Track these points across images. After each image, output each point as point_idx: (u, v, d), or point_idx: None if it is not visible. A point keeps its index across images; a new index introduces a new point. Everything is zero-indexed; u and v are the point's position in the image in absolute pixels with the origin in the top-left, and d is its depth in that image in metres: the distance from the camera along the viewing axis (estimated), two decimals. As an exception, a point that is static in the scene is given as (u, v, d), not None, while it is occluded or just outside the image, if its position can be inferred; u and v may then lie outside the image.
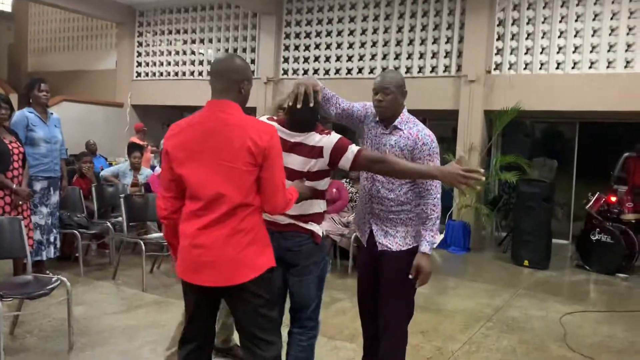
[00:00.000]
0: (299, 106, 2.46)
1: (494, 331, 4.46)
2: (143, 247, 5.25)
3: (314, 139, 2.49)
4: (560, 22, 7.85)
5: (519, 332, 4.46)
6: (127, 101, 11.80)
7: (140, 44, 11.98)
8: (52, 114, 5.32)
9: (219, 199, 2.15)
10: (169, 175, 2.26)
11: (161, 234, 5.86)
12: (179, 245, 2.28)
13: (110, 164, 8.87)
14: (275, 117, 2.65)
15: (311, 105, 2.50)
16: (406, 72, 8.93)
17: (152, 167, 8.40)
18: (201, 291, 2.24)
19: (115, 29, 12.33)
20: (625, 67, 7.43)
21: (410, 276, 2.65)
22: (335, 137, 2.49)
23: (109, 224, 5.98)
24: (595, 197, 7.10)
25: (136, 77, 11.99)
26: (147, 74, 11.91)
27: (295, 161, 2.49)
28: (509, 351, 4.04)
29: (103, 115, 11.41)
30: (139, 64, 12.00)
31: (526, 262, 6.93)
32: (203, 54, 11.21)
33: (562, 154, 9.45)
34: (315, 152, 2.48)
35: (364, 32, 9.38)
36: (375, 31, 9.28)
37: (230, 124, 2.18)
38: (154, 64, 11.80)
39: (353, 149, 2.46)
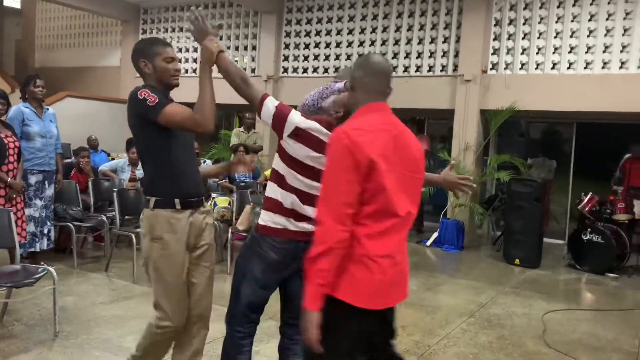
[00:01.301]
0: None
1: (474, 327, 4.53)
2: (134, 240, 5.37)
3: None
4: (557, 22, 7.88)
5: (499, 329, 4.53)
6: (131, 98, 11.93)
7: (144, 41, 12.10)
8: (47, 109, 5.46)
9: (411, 215, 2.02)
10: (360, 187, 1.90)
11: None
12: (353, 269, 1.94)
13: (112, 159, 9.01)
14: (312, 116, 2.47)
15: None
16: (404, 71, 9.00)
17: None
18: (381, 316, 2.04)
19: (120, 27, 12.49)
20: (620, 67, 7.45)
21: None
22: None
23: (104, 217, 6.11)
24: (587, 197, 7.12)
25: (140, 74, 12.12)
26: (150, 71, 12.03)
27: None
28: (485, 346, 4.11)
29: (107, 111, 11.55)
30: (143, 61, 12.12)
31: (517, 261, 6.99)
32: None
33: (559, 153, 9.48)
34: None
35: (362, 31, 9.45)
36: (373, 30, 9.35)
37: (406, 131, 2.06)
38: (158, 61, 11.92)
39: None
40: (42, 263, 4.93)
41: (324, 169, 1.98)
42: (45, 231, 5.38)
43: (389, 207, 1.94)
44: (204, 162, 7.57)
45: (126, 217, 6.08)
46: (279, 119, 2.39)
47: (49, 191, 5.41)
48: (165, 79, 2.64)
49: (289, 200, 2.42)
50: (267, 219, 2.46)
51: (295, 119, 2.40)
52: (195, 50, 11.39)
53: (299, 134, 2.37)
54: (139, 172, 7.24)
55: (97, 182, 6.71)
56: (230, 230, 6.04)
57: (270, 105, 2.41)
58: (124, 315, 4.32)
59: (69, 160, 7.62)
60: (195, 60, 11.38)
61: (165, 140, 2.55)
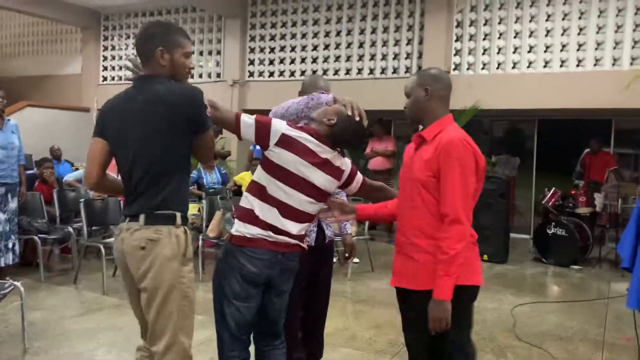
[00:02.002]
0: (357, 119, 2.39)
1: (446, 324, 4.60)
2: (103, 251, 5.29)
3: (339, 159, 2.43)
4: (516, 23, 8.09)
5: (470, 324, 4.61)
6: (94, 106, 11.72)
7: (105, 48, 11.93)
8: (9, 120, 5.33)
9: None
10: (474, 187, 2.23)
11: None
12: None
13: (76, 169, 8.84)
14: (298, 126, 2.44)
15: (364, 123, 2.43)
16: (369, 74, 9.10)
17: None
18: None
19: (80, 34, 12.26)
20: (577, 66, 7.70)
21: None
22: (347, 160, 2.50)
23: (70, 229, 5.98)
24: (550, 192, 7.32)
25: (102, 81, 11.95)
26: (113, 78, 11.87)
27: (322, 179, 2.37)
28: (458, 342, 4.18)
29: (69, 120, 11.32)
30: (105, 68, 11.95)
31: (485, 257, 7.12)
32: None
33: (522, 150, 9.72)
34: (337, 173, 2.43)
35: (327, 34, 9.52)
36: (338, 33, 9.42)
37: None
38: (120, 68, 11.77)
39: (358, 174, 2.56)
40: (8, 278, 4.82)
41: (310, 179, 2.31)
42: (10, 245, 5.25)
43: (476, 196, 2.28)
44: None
45: (94, 228, 5.98)
46: (262, 130, 2.30)
47: (12, 204, 5.28)
48: (180, 75, 2.30)
49: (268, 213, 2.32)
50: (242, 229, 2.34)
51: (280, 126, 2.32)
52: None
53: (286, 141, 2.29)
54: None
55: (62, 193, 6.57)
56: (200, 237, 5.99)
57: (248, 120, 2.32)
58: (95, 327, 4.25)
59: (31, 172, 7.44)
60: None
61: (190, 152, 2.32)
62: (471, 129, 9.86)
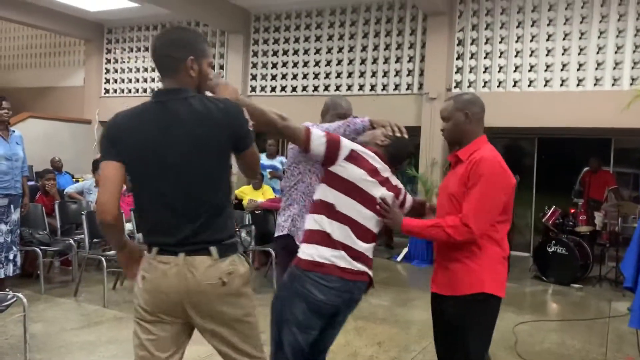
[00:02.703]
0: (405, 136, 2.52)
1: (447, 341, 4.59)
2: (104, 264, 5.28)
3: (395, 179, 2.48)
4: (517, 42, 8.18)
5: (472, 342, 4.60)
6: (95, 118, 11.78)
7: (108, 61, 12.01)
8: (13, 131, 5.35)
9: None
10: (504, 203, 2.41)
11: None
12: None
13: (77, 181, 8.85)
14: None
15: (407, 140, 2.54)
16: (370, 90, 9.17)
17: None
18: None
19: (83, 46, 12.34)
20: (578, 85, 7.77)
21: None
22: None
23: (71, 240, 5.98)
24: (550, 211, 7.35)
25: (104, 93, 12.00)
26: (115, 91, 11.93)
27: (386, 196, 2.43)
28: (460, 360, 4.17)
29: (70, 132, 11.37)
30: (107, 81, 12.01)
31: (485, 274, 7.12)
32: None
33: (522, 168, 9.75)
34: (395, 191, 2.49)
35: (329, 50, 9.60)
36: (340, 50, 9.50)
37: None
38: (123, 80, 11.84)
39: (408, 194, 2.61)
40: (8, 289, 4.81)
41: (375, 196, 2.34)
42: (11, 257, 5.24)
43: (509, 216, 2.45)
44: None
45: (95, 240, 5.97)
46: (334, 146, 2.29)
47: (15, 215, 5.28)
48: (204, 88, 2.09)
49: (338, 231, 2.27)
50: (311, 252, 2.25)
51: (348, 142, 2.33)
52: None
53: (354, 156, 2.30)
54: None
55: (64, 205, 6.57)
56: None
57: (319, 134, 2.30)
58: (96, 340, 4.23)
59: (32, 183, 7.44)
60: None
61: None
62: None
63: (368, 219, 2.34)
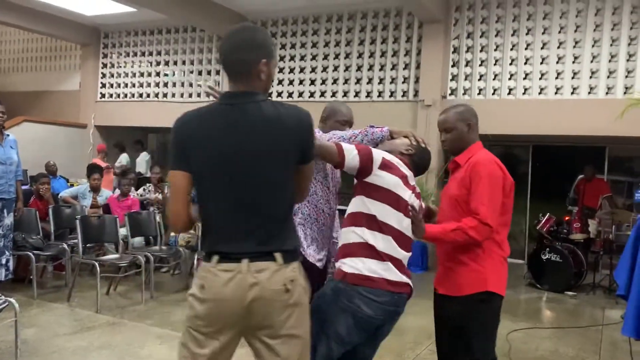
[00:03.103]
0: (429, 148, 2.57)
1: (441, 348, 4.58)
2: (98, 269, 5.26)
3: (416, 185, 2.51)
4: (512, 50, 8.21)
5: (466, 349, 4.60)
6: (91, 122, 11.77)
7: (104, 65, 12.00)
8: (8, 135, 5.34)
9: None
10: (502, 204, 2.52)
11: (117, 255, 5.90)
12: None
13: (72, 185, 8.82)
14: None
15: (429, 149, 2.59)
16: (366, 97, 9.19)
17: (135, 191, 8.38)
18: None
19: (80, 50, 12.33)
20: (572, 93, 7.81)
21: None
22: None
23: (65, 245, 5.96)
24: (545, 218, 7.36)
25: (100, 98, 11.99)
26: (111, 95, 11.91)
27: (416, 204, 2.45)
28: (453, 367, 4.17)
29: (65, 136, 11.34)
30: (103, 85, 12.00)
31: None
32: (168, 76, 11.29)
33: (517, 175, 9.77)
34: (419, 199, 2.52)
35: (326, 57, 9.62)
36: (336, 56, 9.52)
37: None
38: (119, 85, 11.83)
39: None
40: (0, 294, 4.78)
41: (410, 202, 2.36)
42: (4, 261, 5.22)
43: (507, 219, 2.58)
44: (168, 187, 7.47)
45: (88, 245, 5.95)
46: (366, 157, 2.28)
47: (8, 220, 5.26)
48: (267, 92, 2.02)
49: (382, 243, 2.25)
50: (359, 266, 2.21)
51: (379, 151, 2.34)
52: (158, 74, 11.33)
53: (387, 164, 2.30)
54: (101, 198, 7.13)
55: (58, 209, 6.55)
56: (195, 256, 5.98)
57: (350, 148, 2.29)
58: (88, 346, 4.21)
59: (26, 187, 7.42)
60: (157, 85, 11.31)
61: None
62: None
63: (407, 227, 2.35)
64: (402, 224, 2.32)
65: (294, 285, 1.88)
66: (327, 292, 2.31)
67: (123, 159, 10.53)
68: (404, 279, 2.30)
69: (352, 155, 2.27)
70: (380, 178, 2.27)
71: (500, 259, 2.55)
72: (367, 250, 2.24)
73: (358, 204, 2.31)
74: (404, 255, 2.33)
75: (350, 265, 2.23)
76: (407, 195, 2.34)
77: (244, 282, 1.82)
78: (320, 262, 2.69)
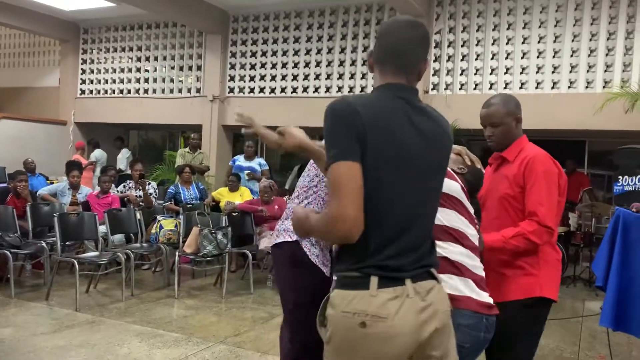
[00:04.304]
0: (478, 166, 2.33)
1: (423, 342, 4.60)
2: (77, 267, 5.19)
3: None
4: (493, 45, 8.26)
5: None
6: (71, 119, 11.62)
7: (84, 61, 11.84)
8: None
9: None
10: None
11: (97, 253, 5.82)
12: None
13: (51, 183, 8.70)
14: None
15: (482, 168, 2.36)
16: (349, 92, 9.17)
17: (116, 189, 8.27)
18: None
19: (59, 46, 12.16)
20: (552, 87, 7.87)
21: None
22: None
23: (43, 243, 5.86)
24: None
25: (80, 94, 11.83)
26: (91, 92, 11.77)
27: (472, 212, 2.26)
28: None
29: (45, 133, 11.18)
30: (83, 81, 11.85)
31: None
32: (149, 72, 11.18)
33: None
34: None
35: (308, 52, 9.59)
36: (319, 51, 9.50)
37: None
38: (99, 81, 11.68)
39: None
40: (-24, 294, 4.70)
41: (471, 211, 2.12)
42: (-20, 260, 5.12)
43: (559, 217, 2.41)
44: (149, 184, 7.41)
45: (67, 243, 5.87)
46: None
47: (-16, 217, 5.16)
48: None
49: (459, 256, 2.01)
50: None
51: None
52: (139, 70, 11.21)
53: (448, 174, 2.08)
54: (80, 196, 7.04)
55: (36, 207, 6.44)
56: (177, 253, 5.93)
57: None
58: (67, 345, 4.14)
59: (3, 185, 7.30)
60: (138, 81, 11.19)
61: None
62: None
63: (475, 236, 2.10)
64: (475, 234, 2.07)
65: (450, 305, 1.71)
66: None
67: (93, 156, 10.41)
68: (488, 299, 2.02)
69: None
70: (446, 185, 1.98)
71: (555, 261, 2.38)
72: (448, 266, 1.98)
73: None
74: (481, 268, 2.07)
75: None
76: (468, 204, 2.10)
77: (415, 307, 1.55)
78: (326, 267, 2.50)
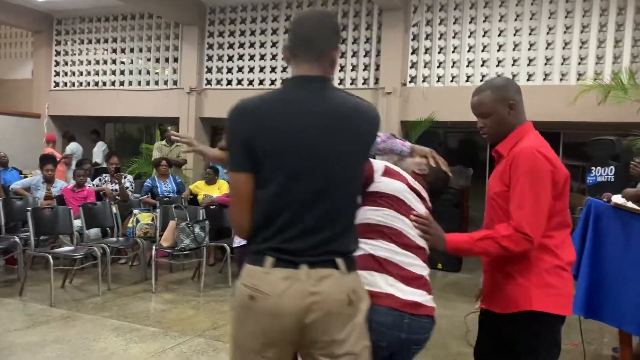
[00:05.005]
0: (446, 169, 2.20)
1: (401, 332, 4.64)
2: (51, 262, 5.12)
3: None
4: (469, 37, 8.31)
5: (424, 332, 4.66)
6: (45, 112, 11.40)
7: (58, 53, 11.62)
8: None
9: None
10: (553, 202, 2.05)
11: (72, 247, 5.74)
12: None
13: (25, 177, 8.54)
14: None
15: (448, 172, 2.24)
16: (327, 84, 9.17)
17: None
18: None
19: (31, 37, 11.91)
20: (528, 80, 7.96)
21: None
22: None
23: (17, 238, 5.77)
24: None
25: (54, 87, 11.62)
26: (66, 84, 11.56)
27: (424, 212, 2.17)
28: (412, 350, 4.22)
29: (18, 127, 10.96)
30: (57, 74, 11.63)
31: (440, 266, 7.24)
32: (124, 64, 11.02)
33: (475, 162, 9.93)
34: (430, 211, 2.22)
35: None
36: (297, 43, 9.45)
37: None
38: (74, 73, 11.48)
39: None
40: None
41: (417, 210, 2.03)
42: (-49, 255, 5.01)
43: (565, 218, 2.09)
44: (125, 177, 7.32)
45: (42, 238, 5.78)
46: (368, 167, 2.04)
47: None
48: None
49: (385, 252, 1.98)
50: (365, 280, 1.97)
51: (380, 161, 2.10)
52: (114, 62, 11.04)
53: (390, 172, 2.06)
54: (55, 190, 6.93)
55: (9, 202, 6.32)
56: (154, 247, 5.88)
57: None
58: (41, 341, 4.09)
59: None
60: (113, 73, 11.03)
61: None
62: (426, 140, 10.10)
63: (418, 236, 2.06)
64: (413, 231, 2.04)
65: (357, 298, 1.70)
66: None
67: (69, 149, 10.25)
68: (417, 298, 1.96)
69: None
70: (382, 184, 2.02)
71: (555, 268, 2.04)
72: (371, 263, 1.96)
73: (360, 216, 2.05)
74: (421, 268, 2.02)
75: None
76: (416, 202, 2.06)
77: (303, 292, 1.62)
78: None
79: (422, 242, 2.06)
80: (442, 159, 2.24)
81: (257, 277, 1.65)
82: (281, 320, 1.62)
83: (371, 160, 2.05)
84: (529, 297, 2.01)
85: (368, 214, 1.99)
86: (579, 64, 7.72)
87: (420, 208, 2.08)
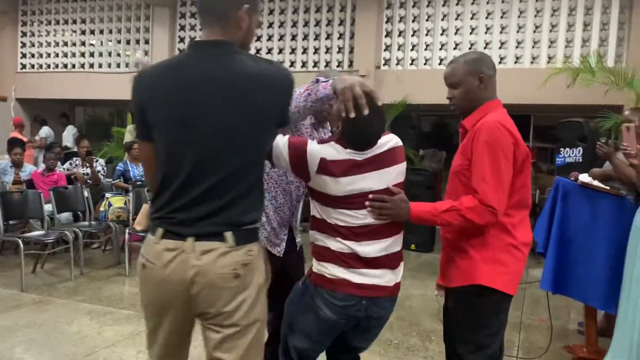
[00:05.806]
0: (365, 112, 1.81)
1: (375, 311, 4.71)
2: (21, 246, 5.03)
3: (386, 140, 2.03)
4: (442, 20, 8.37)
5: (399, 310, 4.67)
6: (12, 95, 11.11)
7: (24, 34, 11.31)
8: None
9: None
10: (512, 179, 2.02)
11: (43, 232, 5.65)
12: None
13: (-8, 161, 8.34)
14: (326, 140, 2.04)
15: (365, 112, 1.82)
16: (302, 67, 9.13)
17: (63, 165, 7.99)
18: None
19: (-4, 18, 11.56)
20: (499, 63, 8.05)
21: None
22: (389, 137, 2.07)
23: (-15, 223, 5.64)
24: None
25: (21, 69, 11.32)
26: (33, 66, 11.27)
27: (385, 178, 1.99)
28: (387, 327, 4.28)
29: (-17, 110, 10.68)
30: (24, 55, 11.33)
31: (413, 246, 7.34)
32: (94, 46, 10.78)
33: (448, 145, 10.04)
34: (392, 156, 2.03)
35: (259, 25, 9.45)
36: (270, 25, 9.39)
37: None
38: (41, 55, 11.20)
39: None
40: None
41: (373, 188, 1.93)
42: None
43: (525, 197, 2.09)
44: (96, 160, 7.21)
45: (11, 222, 5.67)
46: (298, 158, 1.91)
47: None
48: (249, 47, 1.79)
49: (340, 244, 1.96)
50: (319, 267, 2.00)
51: (316, 149, 1.93)
52: (83, 44, 10.79)
53: (328, 166, 1.91)
54: (24, 174, 6.78)
55: (-24, 186, 6.18)
56: (127, 231, 5.82)
57: (279, 143, 1.91)
58: (13, 325, 4.03)
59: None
60: (83, 55, 10.79)
61: None
62: (399, 123, 10.17)
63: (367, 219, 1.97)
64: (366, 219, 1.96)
65: (246, 271, 1.66)
66: (299, 286, 2.13)
67: (42, 132, 10.04)
68: (374, 280, 1.96)
69: (279, 152, 1.91)
70: (322, 184, 1.92)
71: (508, 247, 2.04)
72: (328, 253, 1.97)
73: (312, 207, 2.03)
74: (377, 249, 1.97)
75: (315, 265, 2.04)
76: (367, 181, 1.94)
77: (187, 263, 1.63)
78: (275, 246, 2.38)
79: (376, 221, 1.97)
80: (362, 101, 1.82)
81: (149, 247, 1.70)
82: (167, 289, 1.65)
83: (309, 149, 1.92)
84: (475, 271, 2.04)
85: (317, 209, 2.00)
86: (549, 47, 7.85)
87: (375, 182, 1.95)
